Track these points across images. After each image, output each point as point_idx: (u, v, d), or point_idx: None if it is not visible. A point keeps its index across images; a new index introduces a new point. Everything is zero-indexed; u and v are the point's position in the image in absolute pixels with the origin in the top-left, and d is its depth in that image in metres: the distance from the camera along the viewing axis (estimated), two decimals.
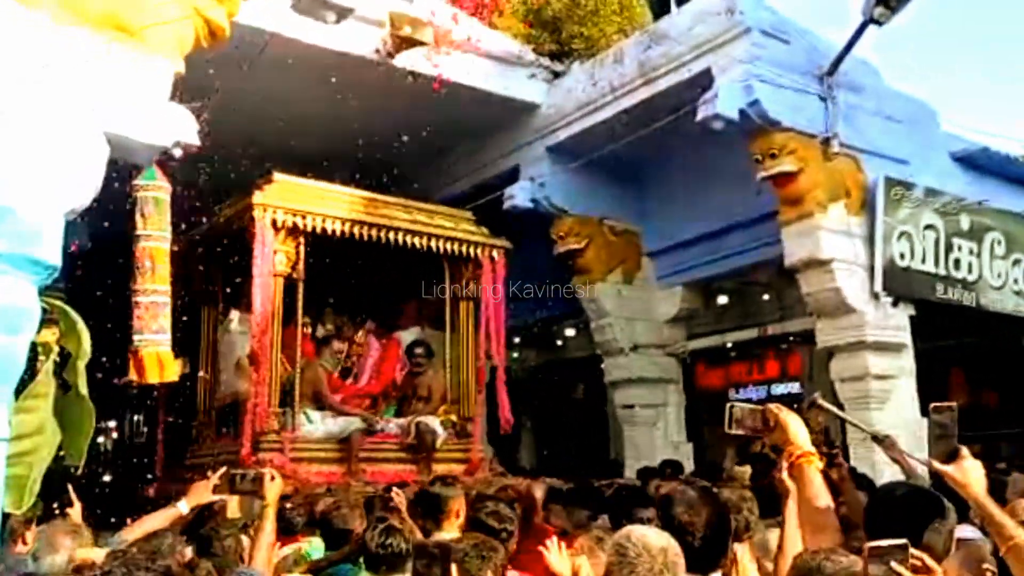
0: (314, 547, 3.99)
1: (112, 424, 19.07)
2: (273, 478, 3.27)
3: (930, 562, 1.86)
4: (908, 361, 8.11)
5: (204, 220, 8.03)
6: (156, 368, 5.03)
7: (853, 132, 7.89)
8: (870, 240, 7.92)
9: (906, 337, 8.10)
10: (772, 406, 2.32)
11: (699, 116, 7.38)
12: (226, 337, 8.13)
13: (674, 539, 2.26)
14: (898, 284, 8.03)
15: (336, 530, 3.84)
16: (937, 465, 2.15)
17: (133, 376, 5.06)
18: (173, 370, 5.17)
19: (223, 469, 3.55)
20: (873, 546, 1.69)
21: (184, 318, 8.35)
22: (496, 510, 3.37)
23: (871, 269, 7.90)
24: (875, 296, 7.89)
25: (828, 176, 7.73)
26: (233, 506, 5.01)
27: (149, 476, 9.15)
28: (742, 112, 7.33)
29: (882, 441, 5.25)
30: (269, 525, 3.17)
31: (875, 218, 7.90)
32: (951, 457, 2.14)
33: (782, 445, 2.33)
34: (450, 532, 3.46)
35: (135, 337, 5.11)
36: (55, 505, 4.32)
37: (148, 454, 9.60)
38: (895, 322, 8.03)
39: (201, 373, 8.30)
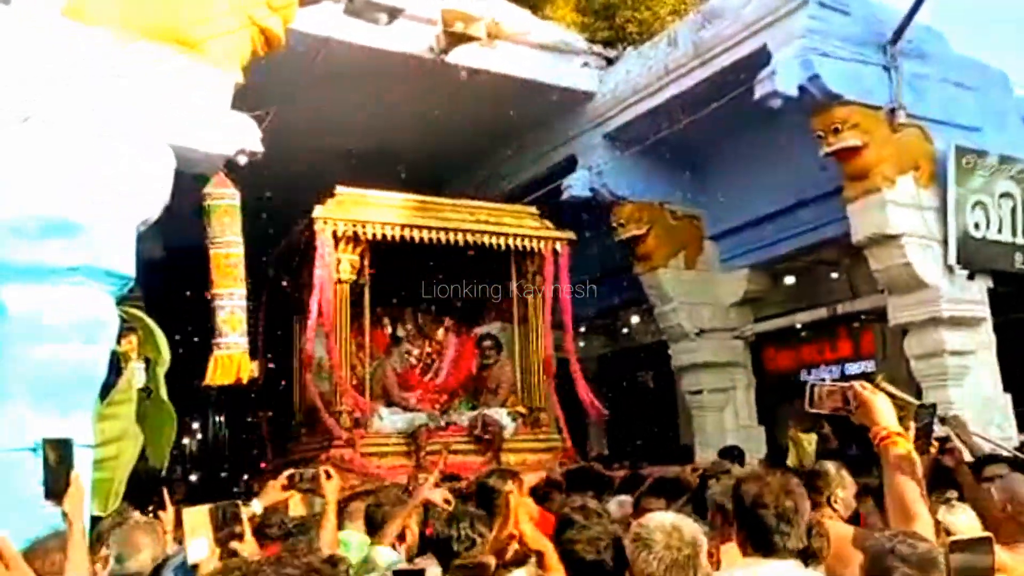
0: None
1: (196, 424, 19.68)
2: (329, 476, 3.33)
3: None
4: (987, 335, 7.80)
5: (269, 229, 8.29)
6: (228, 370, 5.14)
7: (920, 101, 7.59)
8: (942, 212, 7.62)
9: (984, 311, 7.79)
10: (855, 384, 2.21)
11: (757, 95, 7.19)
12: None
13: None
14: (974, 256, 7.72)
15: (377, 526, 3.87)
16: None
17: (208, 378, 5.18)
18: (246, 371, 5.28)
19: (289, 471, 3.62)
20: (956, 540, 1.61)
21: (279, 326, 8.89)
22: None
23: (944, 242, 7.60)
24: (949, 269, 7.60)
25: (895, 148, 7.47)
26: (295, 503, 5.11)
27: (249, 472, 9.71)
28: (801, 88, 7.12)
29: (948, 421, 5.07)
30: (330, 522, 3.25)
31: (947, 189, 7.60)
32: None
33: (867, 425, 2.23)
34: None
35: (215, 341, 5.23)
36: (149, 508, 4.44)
37: (257, 450, 10.07)
38: (971, 295, 7.73)
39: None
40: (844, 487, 3.61)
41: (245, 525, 2.81)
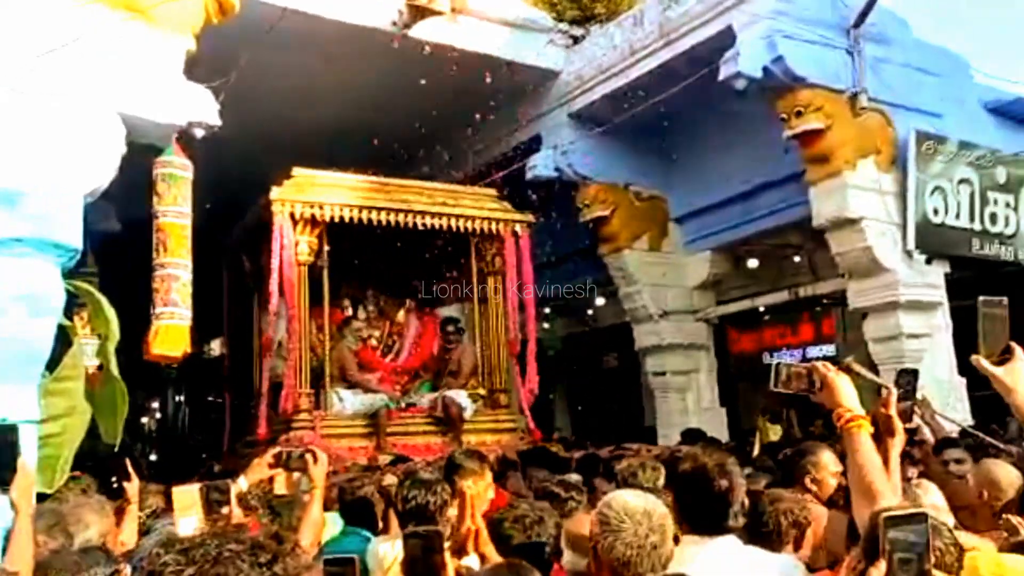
0: (332, 522, 3.99)
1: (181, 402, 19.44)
2: (316, 459, 3.28)
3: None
4: (943, 319, 7.92)
5: (228, 205, 8.19)
6: (161, 342, 5.04)
7: (882, 86, 7.66)
8: (902, 196, 7.71)
9: (941, 295, 7.91)
10: (820, 365, 2.17)
11: (721, 75, 7.21)
12: (266, 321, 8.39)
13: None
14: (932, 241, 7.83)
15: (352, 504, 3.85)
16: (985, 365, 1.93)
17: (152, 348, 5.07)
18: (181, 345, 5.17)
19: (276, 448, 3.58)
20: (890, 515, 1.59)
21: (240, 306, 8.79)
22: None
23: (903, 226, 7.70)
24: (908, 254, 7.71)
25: (857, 132, 7.53)
26: (280, 482, 5.10)
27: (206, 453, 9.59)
28: (766, 69, 7.15)
29: (916, 402, 5.12)
30: (316, 506, 3.22)
31: (907, 174, 7.69)
32: (1002, 356, 1.95)
33: (830, 406, 2.20)
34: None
35: (158, 310, 5.13)
36: (113, 479, 4.37)
37: (217, 431, 9.99)
38: (929, 280, 7.84)
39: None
40: (819, 468, 3.59)
41: (233, 504, 2.86)
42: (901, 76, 7.85)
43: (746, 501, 2.57)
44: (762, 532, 2.94)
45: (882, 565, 1.49)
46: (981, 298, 1.97)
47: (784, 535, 2.97)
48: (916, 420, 4.24)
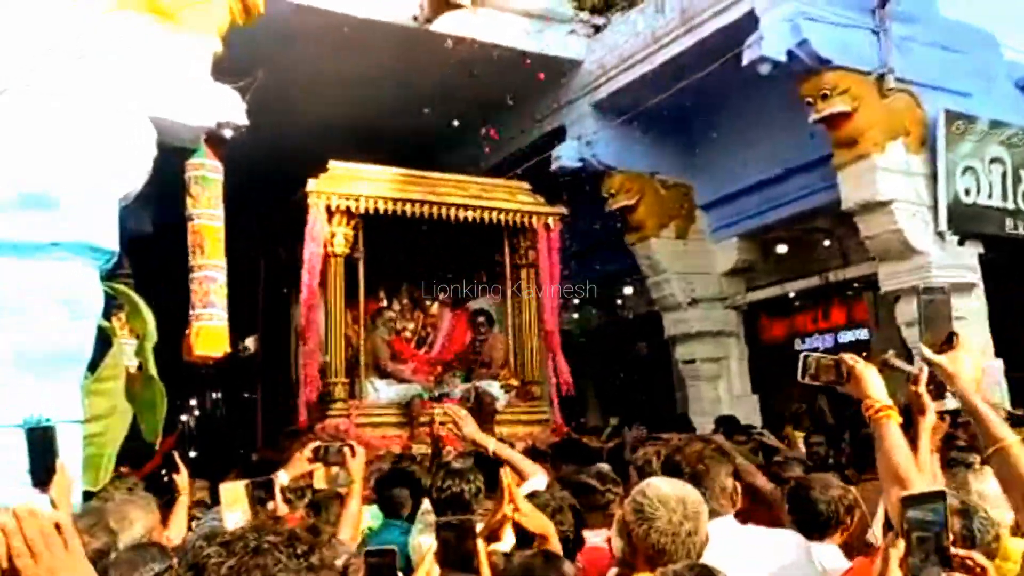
0: (372, 516, 4.05)
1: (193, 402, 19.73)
2: (354, 452, 3.32)
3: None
4: (979, 302, 7.80)
5: (262, 202, 8.29)
6: (202, 343, 5.14)
7: (909, 66, 7.54)
8: (932, 178, 7.61)
9: (975, 276, 7.79)
10: (847, 357, 2.18)
11: (745, 60, 7.15)
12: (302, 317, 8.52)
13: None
14: (964, 221, 7.72)
15: (389, 497, 3.90)
16: (927, 353, 1.95)
17: (193, 349, 5.17)
18: (221, 345, 5.26)
19: (315, 443, 3.64)
20: (907, 495, 1.60)
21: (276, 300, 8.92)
22: None
23: (935, 208, 7.60)
24: (940, 235, 7.60)
25: (884, 114, 7.43)
26: (319, 476, 5.20)
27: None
28: (790, 53, 7.08)
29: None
30: (355, 500, 3.26)
31: (936, 154, 7.58)
32: (945, 344, 1.96)
33: (858, 397, 2.21)
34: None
35: (189, 315, 5.23)
36: (163, 471, 4.47)
37: (254, 425, 10.11)
38: (963, 261, 7.73)
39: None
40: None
41: (278, 499, 2.94)
42: (929, 55, 7.73)
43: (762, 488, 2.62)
44: (819, 522, 2.90)
45: (901, 544, 1.51)
46: (922, 286, 2.02)
47: (842, 521, 2.94)
48: (954, 401, 4.15)
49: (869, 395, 2.12)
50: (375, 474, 4.41)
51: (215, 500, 4.68)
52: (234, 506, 3.01)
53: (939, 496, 1.55)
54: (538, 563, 2.29)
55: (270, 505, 2.93)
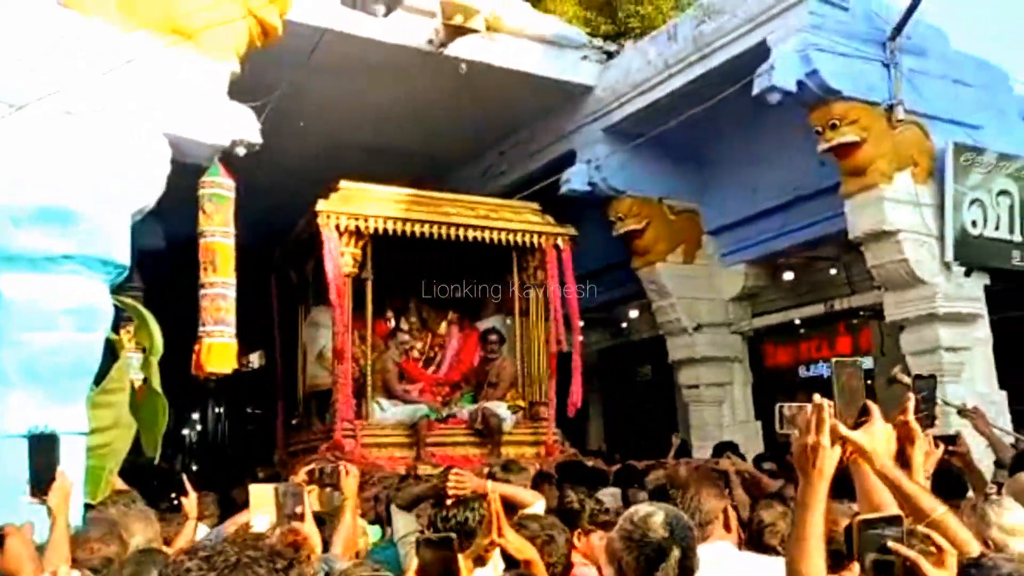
0: (374, 533, 4.04)
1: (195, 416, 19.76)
2: (348, 472, 3.32)
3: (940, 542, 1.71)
4: (983, 332, 7.77)
5: (273, 221, 8.36)
6: (212, 359, 5.14)
7: (919, 98, 7.55)
8: (940, 209, 7.59)
9: (980, 308, 7.76)
10: (817, 400, 2.13)
11: (756, 89, 7.17)
12: (309, 331, 8.71)
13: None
14: (971, 253, 7.69)
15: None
16: (842, 430, 1.87)
17: (203, 364, 5.17)
18: (230, 361, 5.26)
19: (310, 465, 3.63)
20: (865, 518, 1.60)
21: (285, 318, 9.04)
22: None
23: (941, 238, 7.58)
24: (946, 266, 7.58)
25: (893, 145, 7.43)
26: (314, 498, 5.17)
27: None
28: (800, 83, 7.09)
29: (968, 413, 5.05)
30: (348, 517, 3.25)
31: (944, 186, 7.57)
32: (861, 418, 1.90)
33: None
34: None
35: (199, 330, 5.23)
36: (172, 495, 4.46)
37: (257, 441, 10.20)
38: (968, 292, 7.70)
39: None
40: None
41: (307, 506, 2.87)
42: (938, 88, 7.74)
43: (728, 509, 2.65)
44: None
45: (855, 568, 1.51)
46: (834, 360, 1.96)
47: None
48: (944, 427, 4.09)
49: (848, 437, 2.05)
50: (384, 492, 4.39)
51: (222, 512, 4.66)
52: (263, 508, 2.97)
53: (898, 520, 1.56)
54: None
55: (299, 509, 2.88)
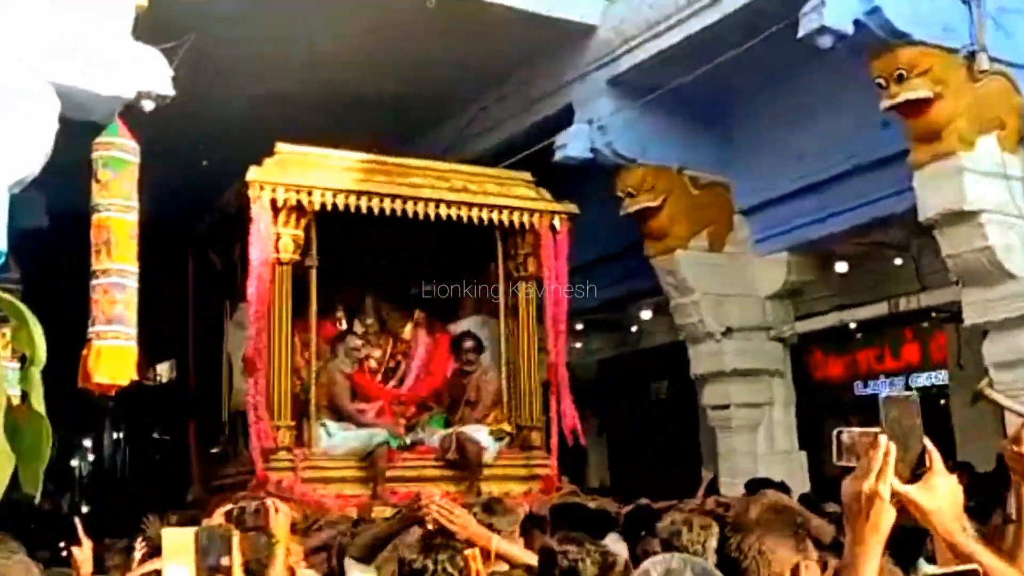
0: None
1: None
2: (278, 510, 3.33)
3: None
4: None
5: (193, 194, 8.33)
6: (103, 368, 5.11)
7: (1007, 44, 7.64)
8: None
9: None
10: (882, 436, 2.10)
11: (801, 32, 7.19)
12: (235, 333, 8.56)
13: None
14: None
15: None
16: (897, 486, 1.76)
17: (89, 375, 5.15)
18: (127, 370, 5.24)
19: (226, 506, 3.63)
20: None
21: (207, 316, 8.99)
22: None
23: None
24: None
25: (974, 102, 7.51)
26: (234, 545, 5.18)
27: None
28: (858, 23, 7.14)
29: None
30: (279, 565, 3.23)
31: None
32: (918, 468, 1.84)
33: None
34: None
35: (88, 329, 5.21)
36: (61, 545, 4.47)
37: (177, 474, 10.16)
38: None
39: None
40: None
41: (235, 557, 2.82)
42: None
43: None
44: None
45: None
46: (882, 396, 1.90)
47: None
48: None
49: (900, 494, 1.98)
50: (336, 540, 4.41)
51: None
52: (178, 558, 2.95)
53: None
54: None
55: (224, 560, 2.87)
